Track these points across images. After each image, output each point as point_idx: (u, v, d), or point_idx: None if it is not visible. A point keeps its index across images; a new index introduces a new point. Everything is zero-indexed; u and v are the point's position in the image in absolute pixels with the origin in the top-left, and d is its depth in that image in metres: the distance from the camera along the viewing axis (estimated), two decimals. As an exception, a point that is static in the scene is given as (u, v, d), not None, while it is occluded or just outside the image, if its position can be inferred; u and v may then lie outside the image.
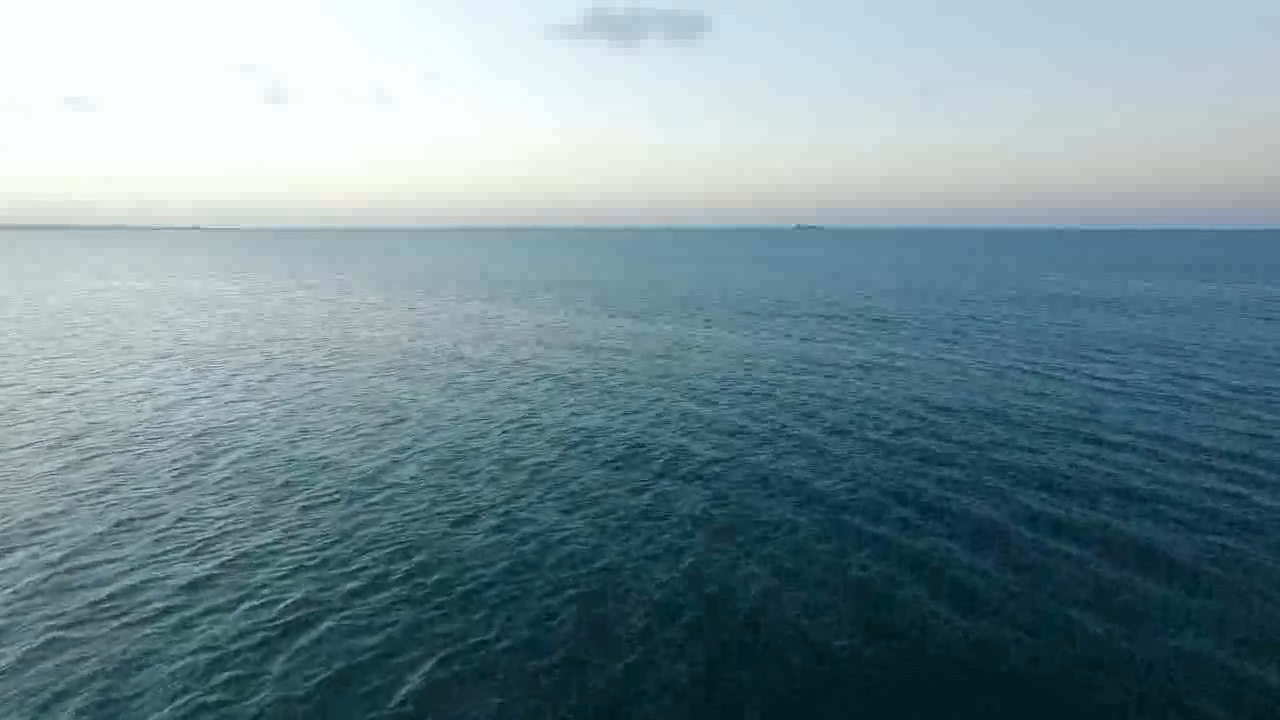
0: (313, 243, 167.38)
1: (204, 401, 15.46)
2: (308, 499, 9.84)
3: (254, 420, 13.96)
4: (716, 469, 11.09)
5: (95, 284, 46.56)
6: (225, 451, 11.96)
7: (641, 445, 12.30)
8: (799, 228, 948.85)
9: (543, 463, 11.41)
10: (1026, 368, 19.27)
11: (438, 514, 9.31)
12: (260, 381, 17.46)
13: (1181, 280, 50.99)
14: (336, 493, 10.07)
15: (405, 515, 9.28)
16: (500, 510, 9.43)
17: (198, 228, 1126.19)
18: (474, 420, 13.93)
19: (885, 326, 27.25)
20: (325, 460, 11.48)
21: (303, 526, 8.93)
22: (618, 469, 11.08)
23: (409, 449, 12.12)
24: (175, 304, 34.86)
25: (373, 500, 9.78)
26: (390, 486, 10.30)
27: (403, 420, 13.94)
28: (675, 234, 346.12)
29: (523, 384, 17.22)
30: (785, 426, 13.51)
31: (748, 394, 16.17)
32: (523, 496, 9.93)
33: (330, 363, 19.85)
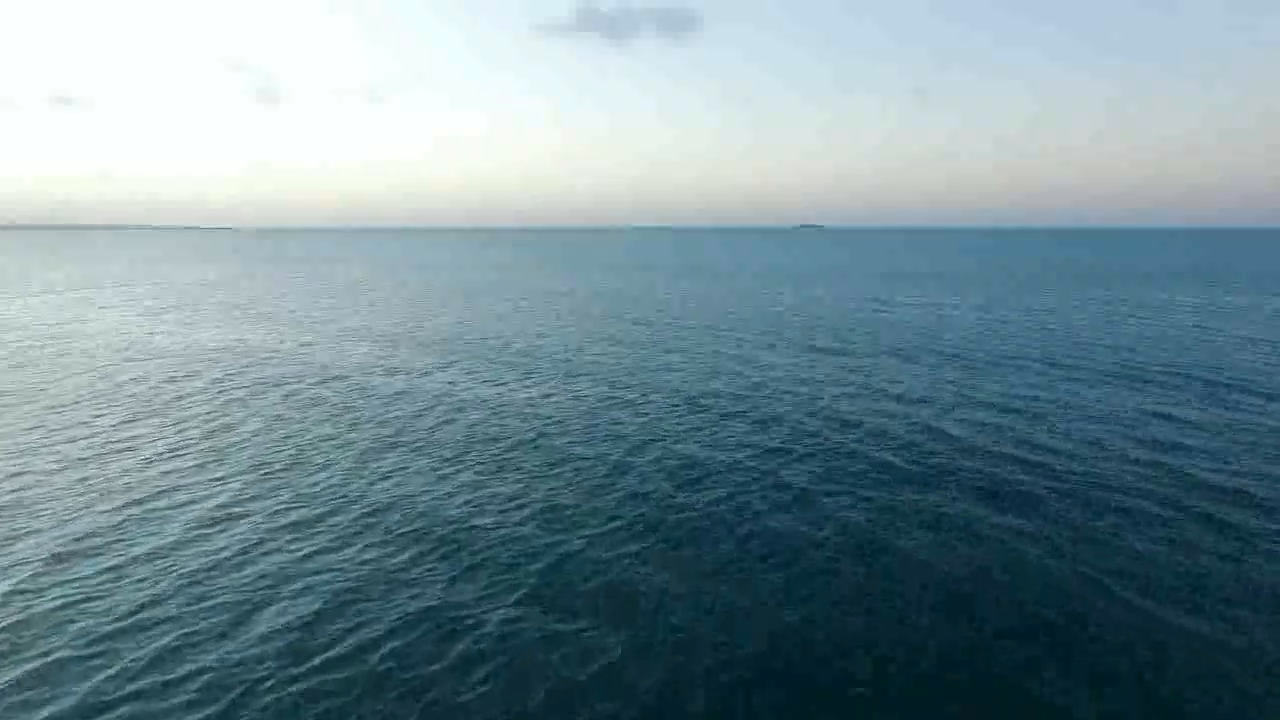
0: (293, 243, 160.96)
1: None
2: None
3: None
4: None
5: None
6: None
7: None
8: (801, 227, 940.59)
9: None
10: None
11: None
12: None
13: None
14: None
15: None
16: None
17: (196, 227, 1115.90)
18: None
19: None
20: None
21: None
22: None
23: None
24: None
25: None
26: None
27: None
28: (674, 234, 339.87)
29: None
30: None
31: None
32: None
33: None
